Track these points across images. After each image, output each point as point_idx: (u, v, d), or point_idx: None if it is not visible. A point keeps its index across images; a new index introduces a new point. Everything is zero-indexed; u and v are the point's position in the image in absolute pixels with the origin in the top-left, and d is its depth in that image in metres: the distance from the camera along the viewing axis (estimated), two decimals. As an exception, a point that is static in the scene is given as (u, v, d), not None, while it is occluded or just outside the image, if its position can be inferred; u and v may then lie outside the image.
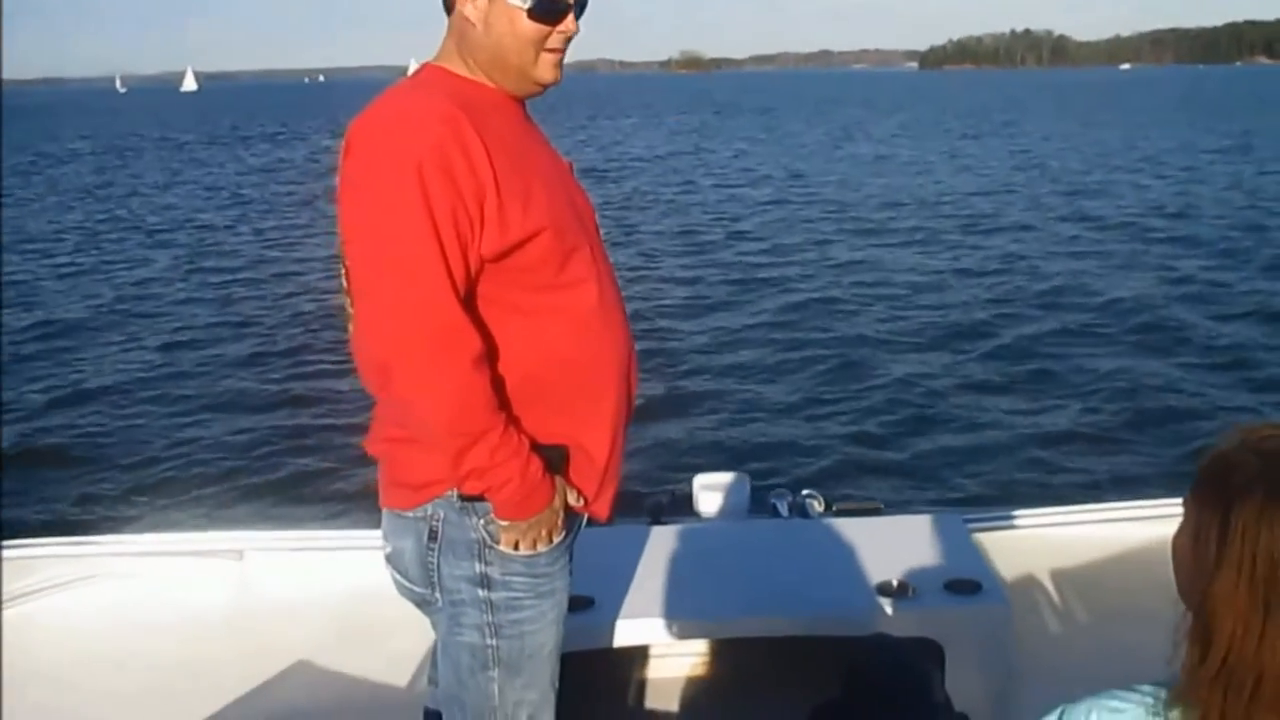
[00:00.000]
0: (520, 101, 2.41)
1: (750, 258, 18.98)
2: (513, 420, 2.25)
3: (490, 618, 2.37)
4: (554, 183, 2.35)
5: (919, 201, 25.82)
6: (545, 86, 2.37)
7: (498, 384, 2.23)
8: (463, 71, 2.33)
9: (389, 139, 2.16)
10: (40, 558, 3.78)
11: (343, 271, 2.36)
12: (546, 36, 2.29)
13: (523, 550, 2.33)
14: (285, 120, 77.31)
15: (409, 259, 2.12)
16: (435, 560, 2.37)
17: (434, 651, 2.76)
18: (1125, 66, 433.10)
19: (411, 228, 2.11)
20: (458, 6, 2.31)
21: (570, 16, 2.31)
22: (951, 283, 16.30)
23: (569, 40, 2.33)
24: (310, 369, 12.11)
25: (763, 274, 17.51)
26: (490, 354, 2.24)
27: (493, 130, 2.21)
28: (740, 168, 36.42)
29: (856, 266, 17.84)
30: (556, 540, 2.37)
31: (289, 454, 9.70)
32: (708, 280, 17.16)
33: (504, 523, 2.29)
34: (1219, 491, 1.57)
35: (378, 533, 3.73)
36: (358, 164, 2.20)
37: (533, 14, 2.26)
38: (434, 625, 2.54)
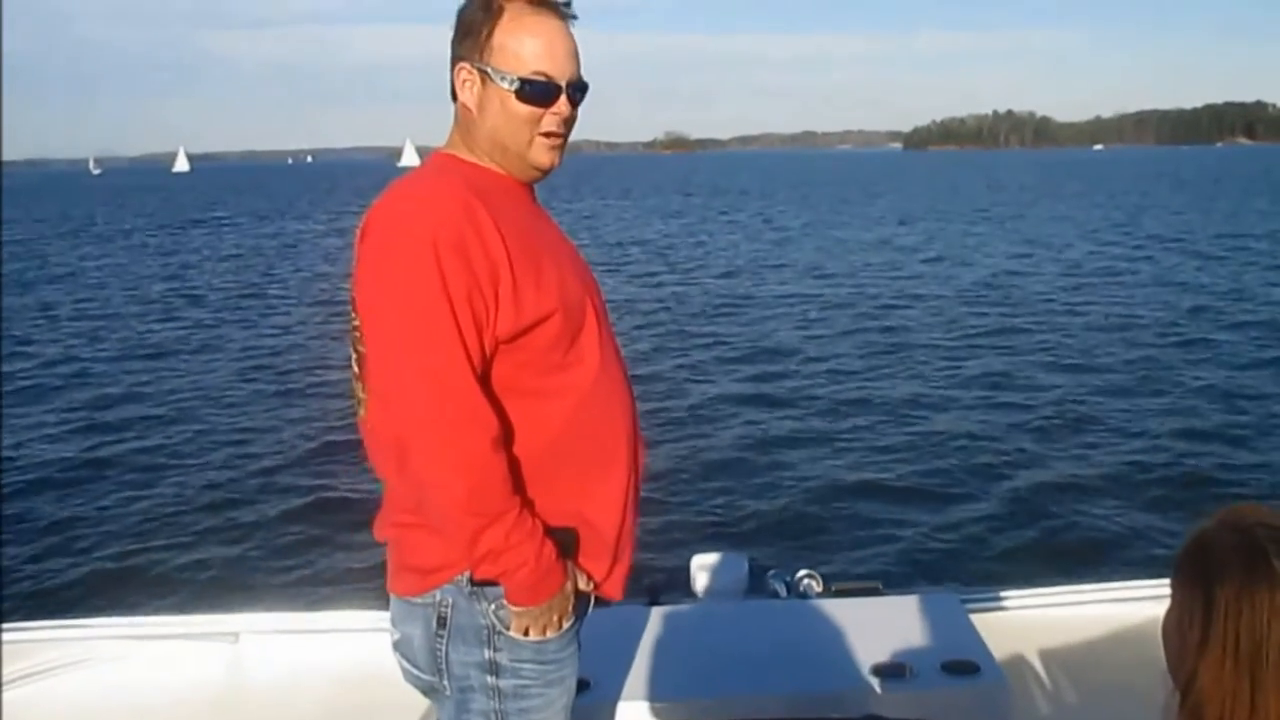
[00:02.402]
0: (527, 186, 2.44)
1: (750, 336, 19.05)
2: (526, 501, 2.25)
3: (498, 705, 2.35)
4: (563, 262, 2.37)
5: (916, 282, 25.97)
6: (544, 170, 2.41)
7: (512, 465, 2.24)
8: (469, 158, 2.38)
9: (405, 223, 2.19)
10: (33, 641, 3.75)
11: (354, 357, 2.39)
12: (539, 119, 2.33)
13: (533, 636, 2.32)
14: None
15: (427, 339, 2.15)
16: (444, 647, 2.35)
17: (431, 737, 2.75)
18: (1098, 147, 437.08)
19: (429, 309, 2.14)
20: (458, 95, 2.36)
21: (563, 99, 2.34)
22: (946, 364, 16.31)
23: (566, 123, 2.37)
24: (309, 451, 12.05)
25: (761, 352, 17.58)
26: (505, 435, 2.25)
27: (504, 213, 2.25)
28: (736, 248, 36.68)
29: (853, 347, 17.86)
30: (566, 626, 2.36)
31: (286, 536, 9.62)
32: (705, 357, 17.24)
33: (516, 608, 2.28)
34: (1199, 571, 1.60)
35: (373, 615, 3.77)
36: (374, 248, 2.23)
37: (521, 96, 2.30)
38: (439, 713, 2.51)
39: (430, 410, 2.14)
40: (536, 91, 2.31)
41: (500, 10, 2.30)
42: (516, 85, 2.29)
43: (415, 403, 2.15)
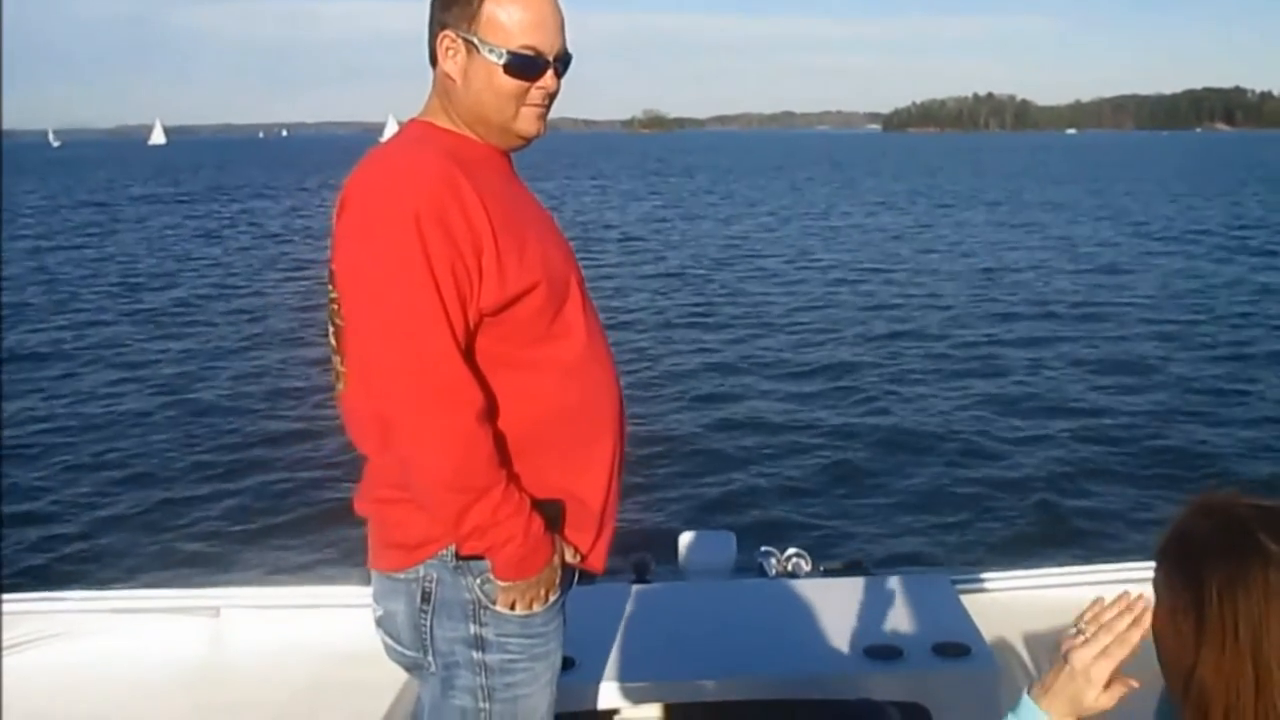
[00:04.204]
0: (506, 154, 2.40)
1: (741, 315, 19.16)
2: (512, 476, 2.22)
3: (484, 680, 2.32)
4: (544, 233, 2.35)
5: (910, 262, 26.06)
6: (528, 139, 2.37)
7: (497, 439, 2.21)
8: (449, 126, 2.33)
9: (385, 195, 2.15)
10: (11, 614, 3.70)
11: (332, 330, 2.35)
12: (525, 92, 2.28)
13: (519, 610, 2.29)
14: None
15: (410, 313, 2.11)
16: (428, 623, 2.32)
17: (414, 714, 2.71)
18: (1071, 131, 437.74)
19: (411, 282, 2.10)
20: (439, 62, 2.30)
21: (550, 73, 2.30)
22: (938, 343, 16.41)
23: (551, 96, 2.33)
24: (291, 424, 12.07)
25: (753, 330, 17.68)
26: (490, 409, 2.21)
27: (486, 184, 2.21)
28: (728, 226, 36.82)
29: (845, 325, 17.96)
30: (553, 599, 2.34)
31: (268, 510, 9.63)
32: (697, 335, 17.33)
33: (503, 583, 2.25)
34: (1184, 561, 1.57)
35: (356, 591, 3.73)
36: (354, 221, 2.18)
37: (509, 70, 2.25)
38: (423, 689, 2.48)
39: (413, 386, 2.11)
40: (525, 65, 2.26)
41: None
42: (505, 59, 2.24)
43: (398, 378, 2.12)
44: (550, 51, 2.28)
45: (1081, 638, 1.70)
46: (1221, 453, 10.86)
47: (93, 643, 3.65)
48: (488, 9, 2.23)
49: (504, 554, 2.20)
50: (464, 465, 2.13)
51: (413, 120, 2.40)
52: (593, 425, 2.37)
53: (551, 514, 2.29)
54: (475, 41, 2.24)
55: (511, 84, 2.26)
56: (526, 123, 2.32)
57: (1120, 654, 1.66)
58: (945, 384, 13.80)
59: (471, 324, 2.18)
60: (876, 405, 12.82)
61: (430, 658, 2.35)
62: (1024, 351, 15.64)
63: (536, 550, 2.23)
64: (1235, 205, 43.01)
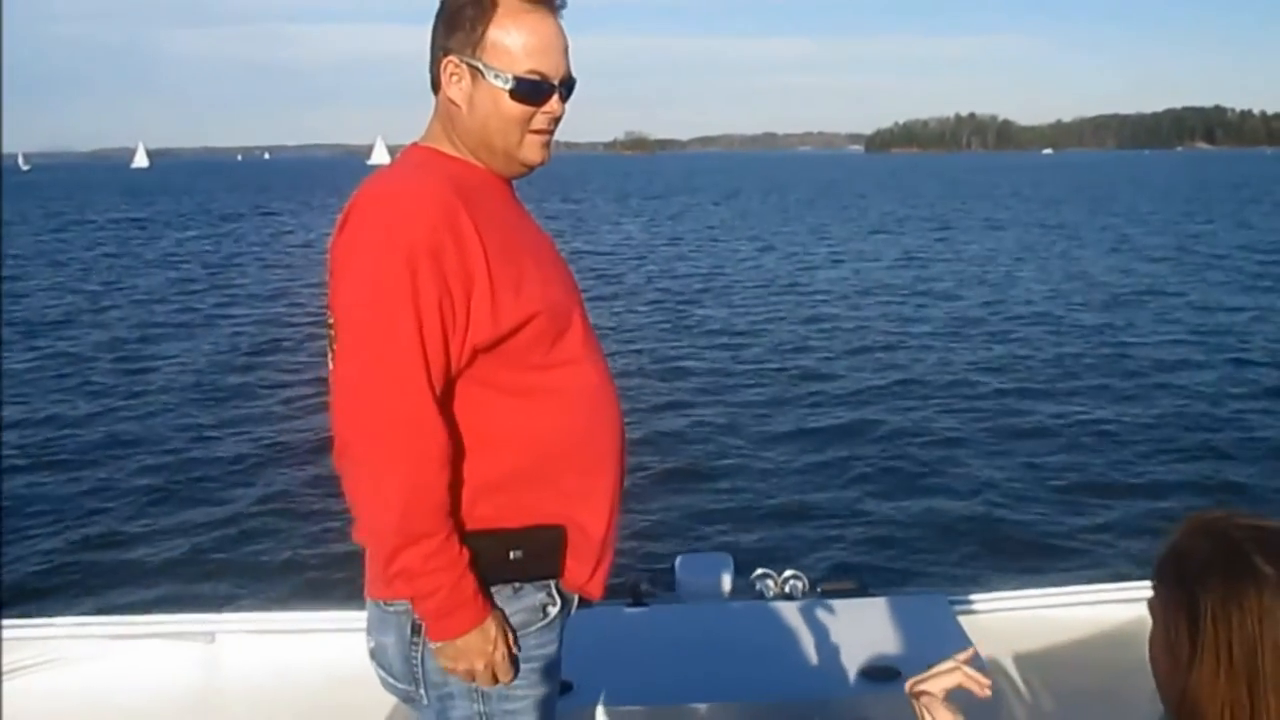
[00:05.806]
0: (508, 181, 2.39)
1: (732, 336, 19.08)
2: (457, 527, 2.18)
3: (481, 707, 2.29)
4: (545, 262, 2.33)
5: (903, 286, 25.85)
6: (532, 167, 2.36)
7: (455, 483, 2.18)
8: (452, 152, 2.32)
9: (382, 221, 2.13)
10: (3, 640, 3.68)
11: (330, 356, 2.33)
12: (531, 117, 2.27)
13: (460, 674, 2.23)
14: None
15: (385, 345, 2.09)
16: (419, 654, 2.28)
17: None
18: (1047, 151, 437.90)
19: (392, 312, 2.08)
20: (443, 88, 2.29)
21: (555, 98, 2.29)
22: (931, 366, 16.33)
23: (556, 121, 2.32)
24: (288, 449, 11.96)
25: (745, 353, 17.59)
26: (465, 446, 2.20)
27: (487, 215, 2.19)
28: (717, 246, 36.91)
29: (840, 348, 17.87)
30: (504, 682, 2.27)
31: (263, 535, 9.54)
32: (691, 357, 17.28)
33: (433, 643, 2.21)
34: (1178, 583, 1.56)
35: (351, 615, 3.72)
36: (348, 247, 2.17)
37: (515, 95, 2.24)
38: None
39: (374, 420, 2.09)
40: (531, 90, 2.25)
41: (494, 4, 2.23)
42: (511, 84, 2.23)
43: (361, 409, 2.11)
44: (555, 75, 2.28)
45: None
46: (1222, 471, 10.84)
47: (87, 669, 3.63)
48: (492, 34, 2.23)
49: (426, 606, 2.16)
50: (408, 508, 2.10)
51: (415, 145, 2.39)
52: (595, 454, 2.35)
53: (553, 539, 2.28)
54: (480, 66, 2.24)
55: (517, 109, 2.25)
56: (531, 150, 2.31)
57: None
58: (941, 405, 13.74)
59: (455, 360, 2.16)
60: (871, 426, 12.77)
61: (422, 690, 2.31)
62: (1020, 375, 15.57)
63: (461, 608, 2.16)
64: (1242, 227, 42.98)
